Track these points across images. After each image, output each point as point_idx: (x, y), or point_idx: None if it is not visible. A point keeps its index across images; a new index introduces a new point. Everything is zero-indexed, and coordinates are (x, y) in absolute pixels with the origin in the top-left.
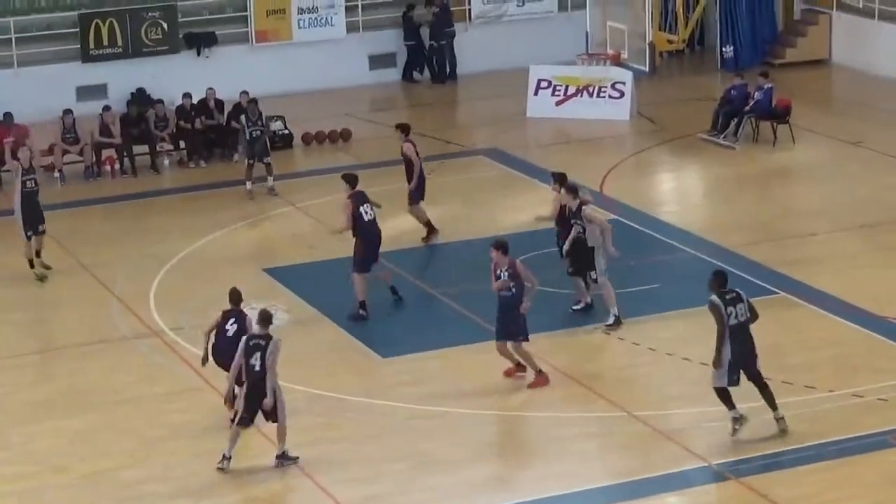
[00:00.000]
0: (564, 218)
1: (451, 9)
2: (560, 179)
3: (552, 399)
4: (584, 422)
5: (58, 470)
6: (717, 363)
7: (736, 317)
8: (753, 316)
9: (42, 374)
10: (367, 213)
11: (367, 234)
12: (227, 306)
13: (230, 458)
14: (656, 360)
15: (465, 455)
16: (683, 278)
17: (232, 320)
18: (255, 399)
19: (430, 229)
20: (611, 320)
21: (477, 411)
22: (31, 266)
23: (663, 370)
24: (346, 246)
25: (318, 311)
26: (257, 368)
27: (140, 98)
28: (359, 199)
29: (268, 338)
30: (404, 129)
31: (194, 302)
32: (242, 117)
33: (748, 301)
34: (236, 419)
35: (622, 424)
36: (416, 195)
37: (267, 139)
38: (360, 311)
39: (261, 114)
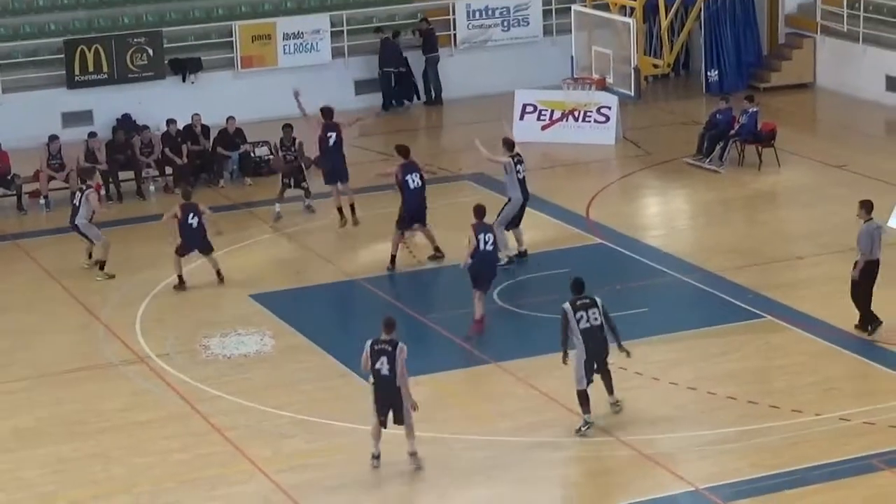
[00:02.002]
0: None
1: (437, 33)
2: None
3: (539, 424)
4: (571, 446)
5: (44, 498)
6: (564, 360)
7: (587, 320)
8: (609, 321)
9: (28, 401)
10: (485, 242)
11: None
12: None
13: (378, 455)
14: (643, 384)
15: (452, 480)
16: (670, 303)
17: (191, 214)
18: (384, 401)
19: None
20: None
21: (463, 436)
22: (102, 267)
23: (650, 394)
24: (331, 272)
25: (305, 336)
26: (384, 372)
27: (126, 124)
28: (407, 168)
29: (393, 343)
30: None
31: (180, 328)
32: (277, 142)
33: (603, 307)
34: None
35: (609, 449)
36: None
37: (302, 165)
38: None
39: (294, 139)
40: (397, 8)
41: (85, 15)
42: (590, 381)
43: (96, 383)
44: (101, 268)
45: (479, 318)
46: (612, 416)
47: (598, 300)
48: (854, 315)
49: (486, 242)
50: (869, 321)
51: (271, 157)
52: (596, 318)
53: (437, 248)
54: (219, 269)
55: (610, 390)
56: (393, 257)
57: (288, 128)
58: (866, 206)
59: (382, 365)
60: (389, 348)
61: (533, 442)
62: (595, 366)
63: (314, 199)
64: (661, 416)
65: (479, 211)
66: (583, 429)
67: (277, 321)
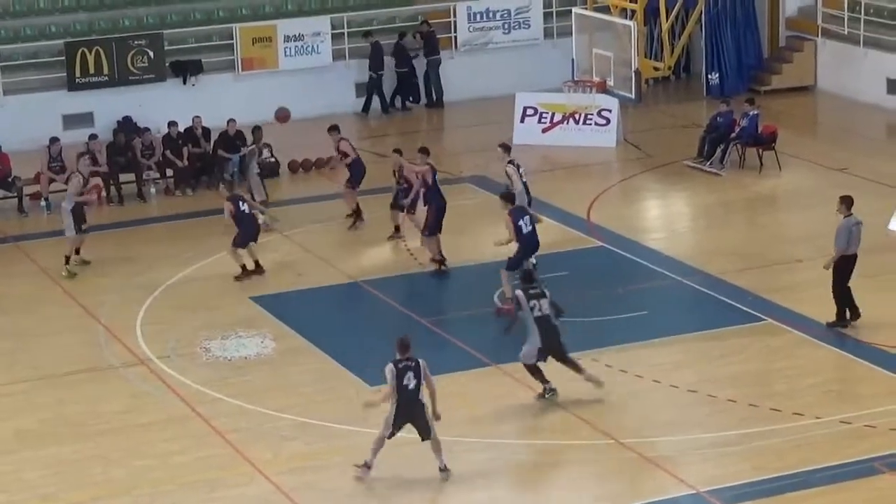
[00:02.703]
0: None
1: (438, 36)
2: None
3: (539, 426)
4: (572, 449)
5: (45, 499)
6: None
7: (540, 310)
8: (557, 311)
9: (29, 403)
10: (526, 225)
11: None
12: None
13: (370, 466)
14: (644, 387)
15: (452, 483)
16: (670, 305)
17: (240, 202)
18: (406, 415)
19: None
20: None
21: (463, 439)
22: (66, 262)
23: (651, 397)
24: (331, 275)
25: (306, 339)
26: (411, 387)
27: (126, 126)
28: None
29: (414, 360)
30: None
31: (181, 330)
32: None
33: (551, 298)
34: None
35: (610, 452)
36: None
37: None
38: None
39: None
40: (398, 10)
41: (85, 17)
42: (542, 358)
43: (96, 385)
44: (66, 262)
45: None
46: (612, 418)
47: (548, 292)
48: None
49: (526, 225)
50: (841, 318)
51: (245, 155)
52: (547, 309)
53: (439, 252)
54: (257, 259)
55: (579, 371)
56: (440, 262)
57: (258, 130)
58: (846, 202)
59: (409, 381)
60: (413, 363)
61: (533, 444)
62: (549, 355)
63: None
64: (662, 419)
65: (510, 197)
66: (547, 395)
67: (278, 323)
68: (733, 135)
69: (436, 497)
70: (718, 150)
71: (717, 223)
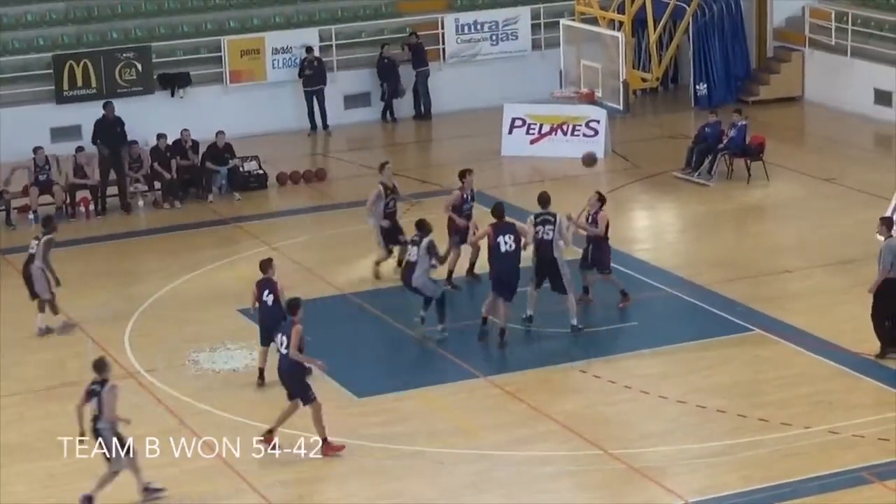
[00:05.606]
0: None
1: (426, 47)
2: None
3: (528, 437)
4: (561, 460)
5: None
6: None
7: None
8: None
9: (17, 416)
10: (505, 243)
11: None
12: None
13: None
14: (632, 397)
15: (440, 495)
16: (659, 316)
17: (266, 291)
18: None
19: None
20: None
21: (452, 450)
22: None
23: (639, 408)
24: (319, 287)
25: None
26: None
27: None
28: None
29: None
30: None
31: (169, 343)
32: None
33: None
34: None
35: (599, 462)
36: None
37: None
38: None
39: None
40: (386, 22)
41: (73, 30)
42: None
43: None
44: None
45: (501, 329)
46: (601, 429)
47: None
48: (847, 329)
49: (506, 244)
50: (887, 344)
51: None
52: None
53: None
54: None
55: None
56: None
57: (48, 221)
58: (886, 223)
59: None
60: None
61: (522, 456)
62: None
63: None
64: (650, 430)
65: (498, 210)
66: None
67: None
68: (721, 145)
69: None
70: (706, 161)
71: (705, 234)
